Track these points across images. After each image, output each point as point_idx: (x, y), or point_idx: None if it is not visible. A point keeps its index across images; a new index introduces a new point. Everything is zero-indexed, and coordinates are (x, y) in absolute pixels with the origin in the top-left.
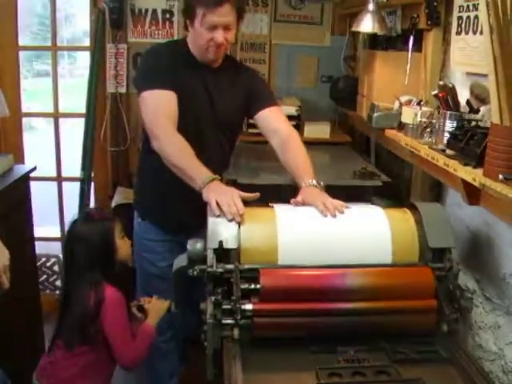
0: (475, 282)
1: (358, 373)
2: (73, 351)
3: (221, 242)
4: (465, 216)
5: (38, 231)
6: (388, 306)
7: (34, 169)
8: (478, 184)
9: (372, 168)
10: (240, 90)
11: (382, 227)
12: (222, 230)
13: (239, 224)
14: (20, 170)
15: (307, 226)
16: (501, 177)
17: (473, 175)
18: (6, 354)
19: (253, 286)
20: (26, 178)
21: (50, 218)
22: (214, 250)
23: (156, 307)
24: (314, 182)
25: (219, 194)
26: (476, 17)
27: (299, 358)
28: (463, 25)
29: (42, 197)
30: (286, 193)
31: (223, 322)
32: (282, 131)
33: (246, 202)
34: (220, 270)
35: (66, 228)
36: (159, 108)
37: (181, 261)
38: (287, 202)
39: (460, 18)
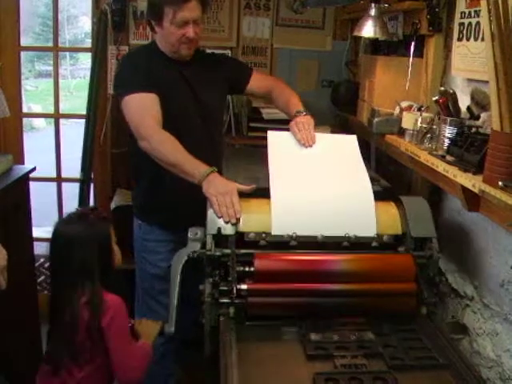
0: (474, 289)
1: (355, 378)
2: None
3: (219, 229)
4: (464, 222)
5: (37, 232)
6: (371, 288)
7: (34, 169)
8: (477, 190)
9: (372, 173)
10: (219, 78)
11: (368, 207)
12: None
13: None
14: (19, 170)
15: (299, 202)
16: (500, 184)
17: (472, 182)
18: (3, 354)
19: (247, 269)
20: (25, 179)
21: (49, 219)
22: (213, 235)
23: (148, 329)
24: (297, 109)
25: (219, 193)
26: (478, 23)
27: (296, 364)
28: (465, 31)
29: (41, 197)
30: None
31: (220, 301)
32: (268, 85)
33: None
34: (218, 253)
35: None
36: (143, 109)
37: (180, 256)
38: None
39: (462, 24)
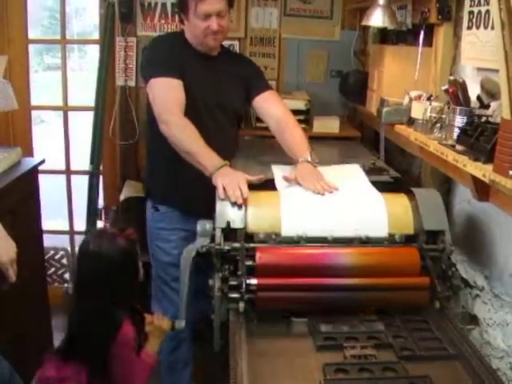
0: (484, 279)
1: (365, 369)
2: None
3: (228, 222)
4: (474, 212)
5: (47, 224)
6: (383, 282)
7: (43, 162)
8: (487, 180)
9: (381, 163)
10: (238, 78)
11: (379, 207)
12: (230, 212)
13: (246, 206)
14: (28, 162)
15: (309, 203)
16: (511, 173)
17: (482, 171)
18: (13, 346)
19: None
20: (34, 171)
21: (58, 211)
22: (222, 229)
23: (157, 329)
24: (308, 157)
25: (226, 179)
26: (487, 11)
27: (306, 354)
28: (474, 19)
29: (50, 190)
30: None
31: (229, 295)
32: (277, 113)
33: (254, 186)
34: (227, 247)
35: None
36: (168, 94)
37: (189, 251)
38: None
39: (471, 12)
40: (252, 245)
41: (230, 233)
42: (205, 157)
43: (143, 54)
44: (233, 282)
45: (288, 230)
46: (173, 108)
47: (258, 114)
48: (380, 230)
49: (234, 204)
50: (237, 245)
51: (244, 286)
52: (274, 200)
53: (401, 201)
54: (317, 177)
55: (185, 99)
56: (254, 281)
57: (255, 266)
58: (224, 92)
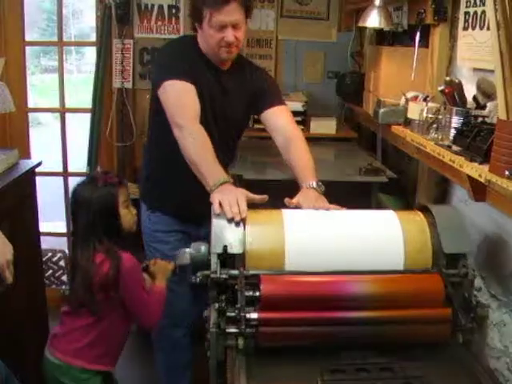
0: (481, 280)
1: (362, 369)
2: (79, 316)
3: (225, 247)
4: (471, 212)
5: (44, 226)
6: (399, 315)
7: (40, 164)
8: (483, 180)
9: (378, 164)
10: (249, 90)
11: (394, 232)
12: (227, 234)
13: (244, 227)
14: (26, 164)
15: (316, 230)
16: (507, 173)
17: (479, 171)
18: (10, 348)
19: (258, 293)
20: (31, 173)
21: (55, 213)
22: (218, 254)
23: (162, 268)
24: (314, 184)
25: (224, 194)
26: (483, 12)
27: (302, 355)
28: (470, 20)
29: (47, 192)
30: (292, 188)
31: (227, 330)
32: (286, 130)
33: (254, 205)
34: (224, 275)
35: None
36: (182, 98)
37: (183, 257)
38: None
39: (467, 13)
40: (252, 272)
41: (227, 258)
42: (208, 170)
43: (152, 59)
44: (231, 314)
45: (292, 266)
46: (188, 112)
47: (265, 126)
48: (395, 265)
49: (230, 221)
50: (235, 272)
51: (244, 320)
52: (276, 232)
53: (417, 227)
54: (319, 204)
55: (199, 104)
56: (254, 315)
57: (259, 298)
58: (230, 107)
